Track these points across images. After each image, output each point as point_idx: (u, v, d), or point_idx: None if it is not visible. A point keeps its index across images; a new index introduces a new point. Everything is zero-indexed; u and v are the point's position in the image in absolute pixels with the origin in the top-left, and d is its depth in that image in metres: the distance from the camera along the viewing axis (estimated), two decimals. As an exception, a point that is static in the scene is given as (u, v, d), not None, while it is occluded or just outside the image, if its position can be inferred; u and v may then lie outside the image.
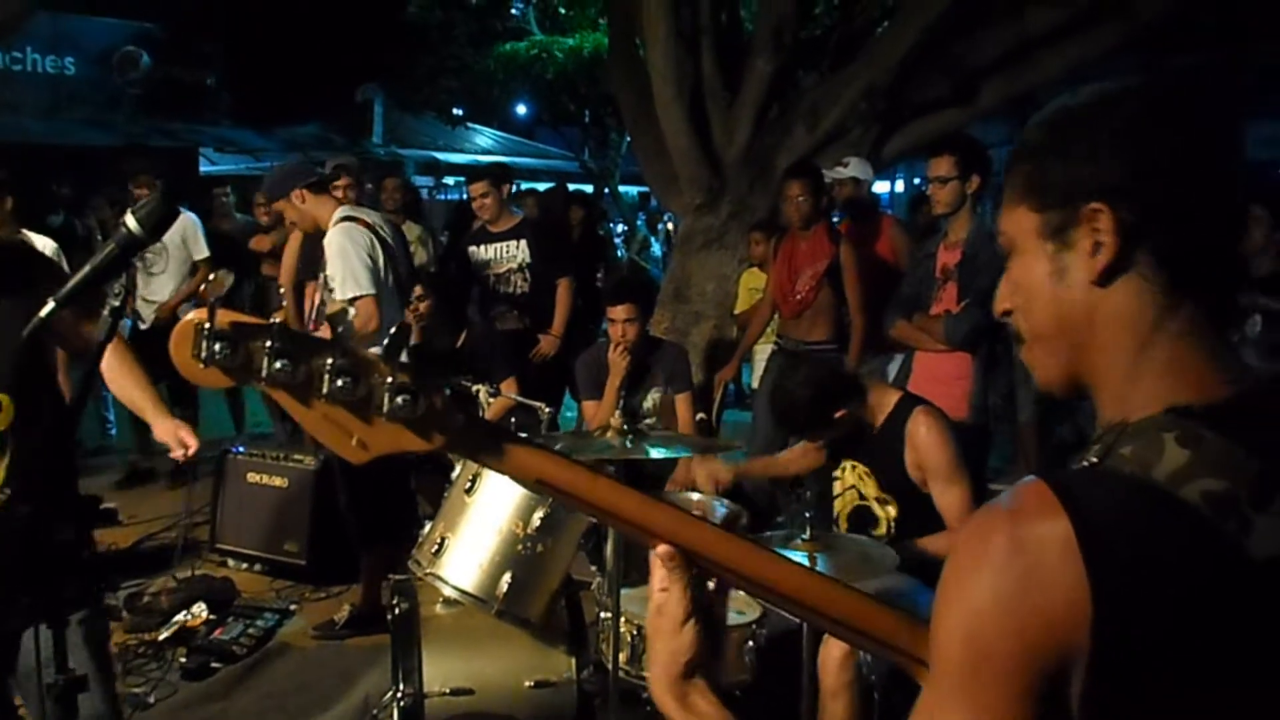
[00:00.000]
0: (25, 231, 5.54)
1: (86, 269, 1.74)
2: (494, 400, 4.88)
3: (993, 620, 0.94)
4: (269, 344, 1.07)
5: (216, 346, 1.06)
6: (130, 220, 1.73)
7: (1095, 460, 1.01)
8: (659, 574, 1.18)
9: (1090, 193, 1.05)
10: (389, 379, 1.08)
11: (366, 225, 4.84)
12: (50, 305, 1.74)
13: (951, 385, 4.62)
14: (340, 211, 4.88)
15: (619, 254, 17.91)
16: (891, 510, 3.63)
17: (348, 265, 4.68)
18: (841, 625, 1.19)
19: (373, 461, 1.16)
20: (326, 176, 5.40)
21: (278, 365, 1.07)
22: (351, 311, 4.69)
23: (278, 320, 1.11)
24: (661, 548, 1.16)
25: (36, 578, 2.39)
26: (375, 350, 4.31)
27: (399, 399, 1.08)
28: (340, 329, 4.68)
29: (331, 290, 4.80)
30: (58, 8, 12.40)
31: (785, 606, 1.21)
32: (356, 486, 4.87)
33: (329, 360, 1.08)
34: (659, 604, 1.19)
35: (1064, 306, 1.08)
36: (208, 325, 1.07)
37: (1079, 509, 0.94)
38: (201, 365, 1.07)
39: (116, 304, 1.73)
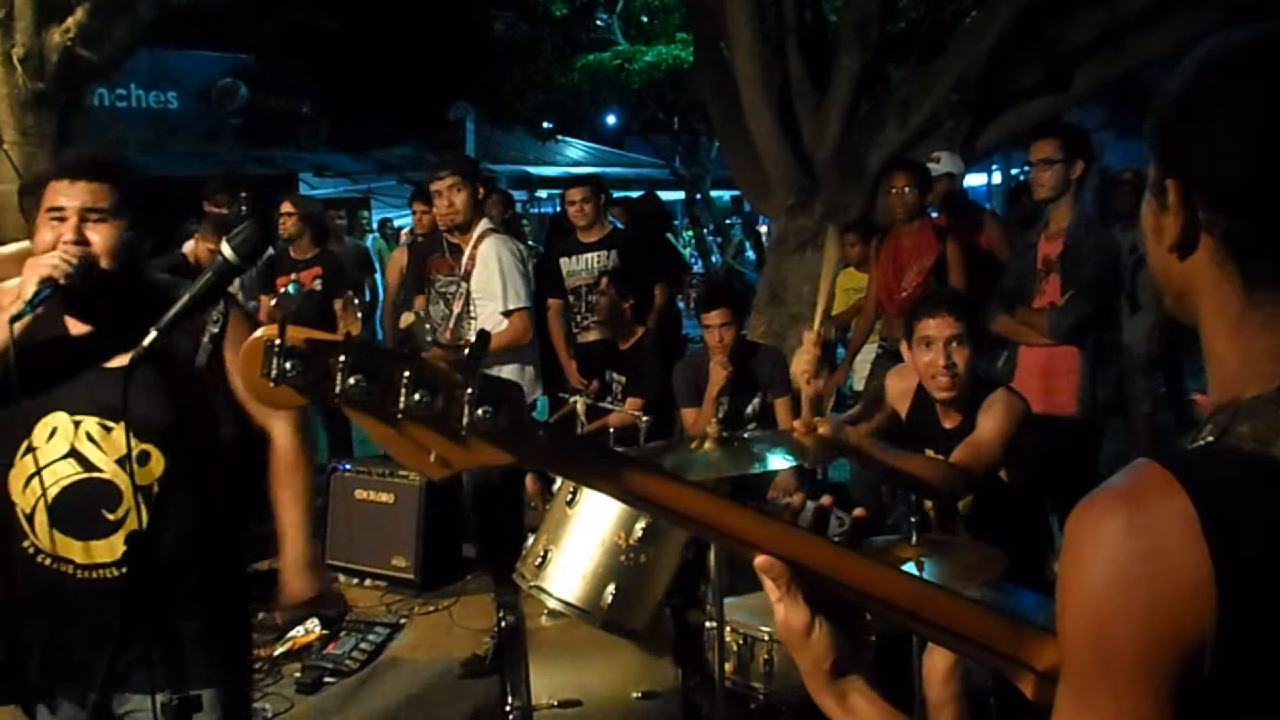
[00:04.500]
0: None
1: (185, 298, 1.77)
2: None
3: (1117, 606, 0.90)
4: (343, 359, 1.02)
5: (288, 364, 1.02)
6: (225, 248, 1.77)
7: (1210, 439, 0.97)
8: (768, 586, 1.15)
9: (1171, 167, 1.03)
10: (469, 390, 1.03)
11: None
12: (152, 335, 1.77)
13: (1059, 380, 4.51)
14: (484, 224, 4.89)
15: (714, 259, 17.93)
16: (964, 502, 3.51)
17: (510, 277, 4.72)
18: (944, 632, 1.15)
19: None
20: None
21: (352, 381, 1.02)
22: (499, 322, 4.71)
23: (351, 334, 1.06)
24: (758, 559, 1.13)
25: (146, 655, 2.24)
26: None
27: (480, 411, 1.02)
28: (469, 341, 4.58)
29: (473, 301, 4.80)
30: (157, 44, 12.78)
31: (886, 613, 1.16)
32: (484, 509, 4.85)
33: (405, 374, 1.03)
34: (779, 617, 1.17)
35: (1159, 264, 1.07)
36: (278, 342, 1.02)
37: (1199, 487, 0.90)
38: (271, 384, 1.03)
39: (216, 330, 1.76)
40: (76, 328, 2.21)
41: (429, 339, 4.91)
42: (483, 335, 1.10)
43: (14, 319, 2.01)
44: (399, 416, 1.03)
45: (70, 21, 6.43)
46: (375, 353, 1.03)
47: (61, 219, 2.17)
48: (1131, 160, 13.16)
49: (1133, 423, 6.93)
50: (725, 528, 1.13)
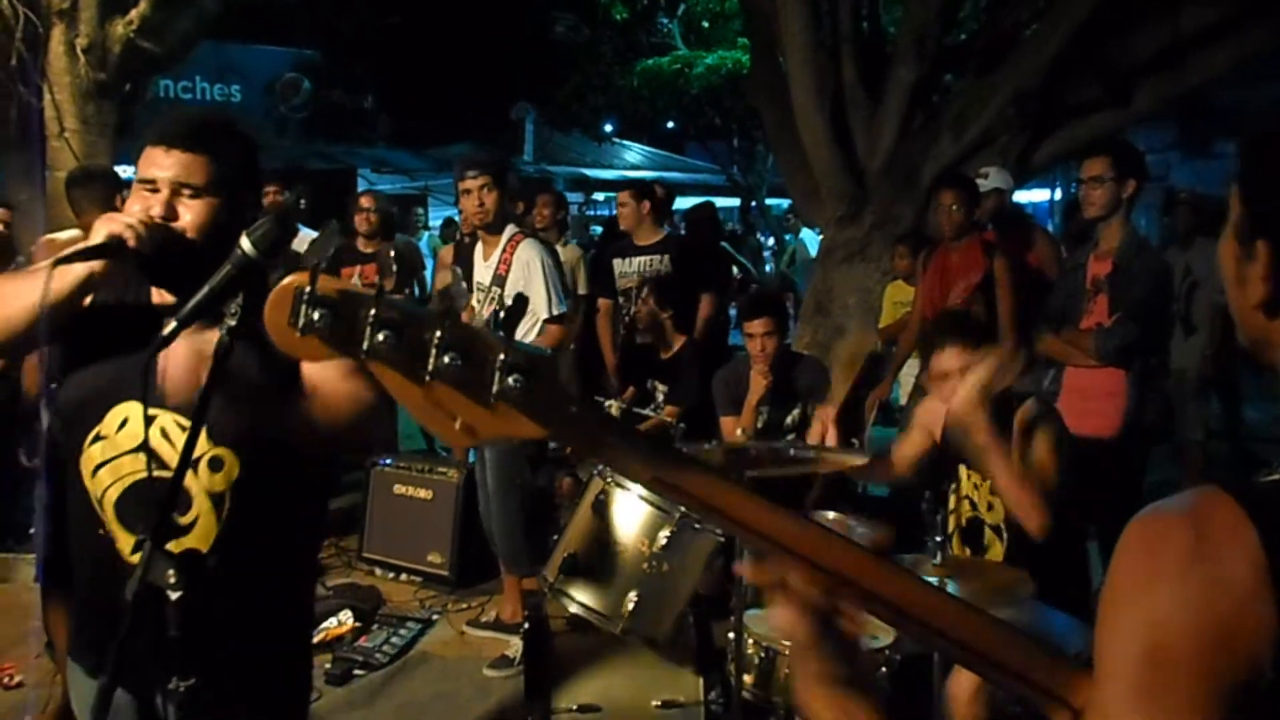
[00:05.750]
0: None
1: (204, 290, 1.77)
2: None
3: (1175, 630, 0.87)
4: (372, 313, 0.98)
5: (316, 314, 0.98)
6: (244, 241, 1.76)
7: None
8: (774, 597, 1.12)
9: (1264, 225, 1.00)
10: (501, 356, 0.99)
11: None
12: (171, 325, 1.77)
13: (1103, 402, 4.42)
14: (512, 227, 4.92)
15: (766, 268, 17.87)
16: (998, 514, 3.49)
17: (552, 283, 4.75)
18: (975, 655, 1.10)
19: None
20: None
21: (380, 337, 0.98)
22: (534, 325, 4.73)
23: (384, 288, 1.02)
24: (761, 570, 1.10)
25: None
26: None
27: (510, 379, 0.98)
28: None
29: (505, 304, 4.80)
30: (223, 38, 13.00)
31: (916, 630, 1.12)
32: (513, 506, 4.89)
33: (437, 334, 0.99)
34: (788, 629, 1.13)
35: (1240, 311, 1.05)
36: (308, 290, 0.99)
37: (1268, 522, 0.87)
38: (298, 334, 0.99)
39: (233, 323, 1.76)
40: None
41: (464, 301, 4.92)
42: (519, 300, 1.08)
43: (56, 261, 1.87)
44: (427, 378, 1.00)
45: (134, 13, 6.55)
46: (407, 310, 1.00)
47: (154, 190, 2.02)
48: (1198, 180, 12.94)
49: (1184, 449, 6.80)
50: (755, 525, 1.09)
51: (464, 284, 4.71)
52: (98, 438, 2.12)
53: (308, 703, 2.48)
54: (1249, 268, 1.00)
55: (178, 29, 6.89)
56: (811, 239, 14.53)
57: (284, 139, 16.86)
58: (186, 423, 2.05)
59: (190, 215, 2.02)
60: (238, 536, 2.12)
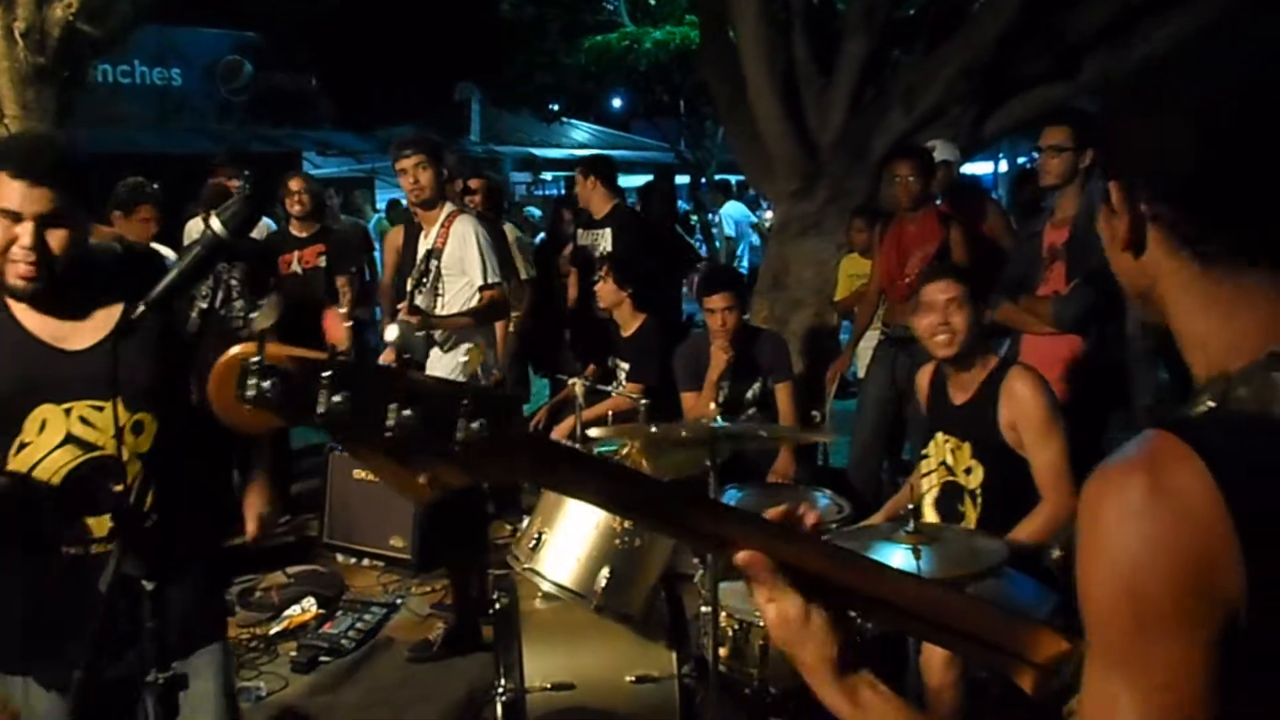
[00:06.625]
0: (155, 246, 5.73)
1: (174, 272, 1.75)
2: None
3: (1151, 568, 0.90)
4: (326, 376, 0.95)
5: (266, 384, 0.95)
6: (215, 222, 1.74)
7: (1213, 405, 0.99)
8: (755, 586, 1.12)
9: (1112, 164, 1.07)
10: (464, 403, 0.96)
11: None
12: (139, 308, 1.75)
13: (1061, 369, 4.47)
14: (449, 205, 4.99)
15: (717, 244, 17.89)
16: (976, 478, 3.55)
17: (488, 254, 4.82)
18: (942, 631, 1.12)
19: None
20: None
21: (338, 399, 0.95)
22: (470, 296, 4.76)
23: (336, 349, 1.01)
24: (739, 555, 1.10)
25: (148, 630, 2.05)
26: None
27: (475, 424, 0.96)
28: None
29: (443, 277, 4.85)
30: (163, 20, 12.73)
31: (883, 615, 1.14)
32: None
33: (394, 388, 0.96)
34: (771, 616, 1.12)
35: (1120, 268, 1.10)
36: (255, 359, 0.95)
37: (1211, 451, 0.91)
38: (248, 406, 0.96)
39: (205, 305, 1.73)
40: (35, 323, 2.31)
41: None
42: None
43: None
44: (388, 434, 0.97)
45: (72, -5, 6.38)
46: (362, 369, 0.98)
47: (16, 220, 2.18)
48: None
49: (1136, 415, 6.89)
50: (711, 531, 1.10)
51: (418, 335, 4.73)
52: (22, 446, 2.30)
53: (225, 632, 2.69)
54: (1113, 221, 1.06)
55: (118, 11, 6.70)
56: (731, 215, 14.51)
57: (226, 123, 16.57)
58: (102, 403, 2.31)
59: (56, 242, 2.22)
60: (161, 485, 2.24)
